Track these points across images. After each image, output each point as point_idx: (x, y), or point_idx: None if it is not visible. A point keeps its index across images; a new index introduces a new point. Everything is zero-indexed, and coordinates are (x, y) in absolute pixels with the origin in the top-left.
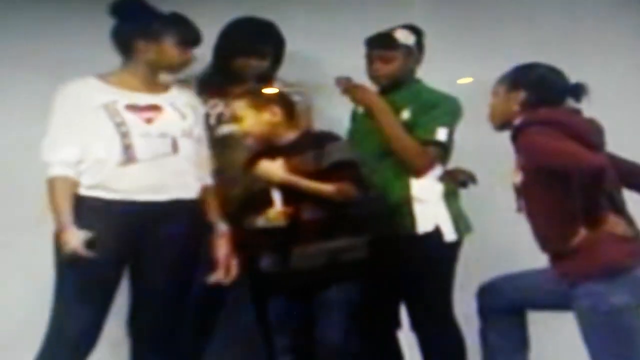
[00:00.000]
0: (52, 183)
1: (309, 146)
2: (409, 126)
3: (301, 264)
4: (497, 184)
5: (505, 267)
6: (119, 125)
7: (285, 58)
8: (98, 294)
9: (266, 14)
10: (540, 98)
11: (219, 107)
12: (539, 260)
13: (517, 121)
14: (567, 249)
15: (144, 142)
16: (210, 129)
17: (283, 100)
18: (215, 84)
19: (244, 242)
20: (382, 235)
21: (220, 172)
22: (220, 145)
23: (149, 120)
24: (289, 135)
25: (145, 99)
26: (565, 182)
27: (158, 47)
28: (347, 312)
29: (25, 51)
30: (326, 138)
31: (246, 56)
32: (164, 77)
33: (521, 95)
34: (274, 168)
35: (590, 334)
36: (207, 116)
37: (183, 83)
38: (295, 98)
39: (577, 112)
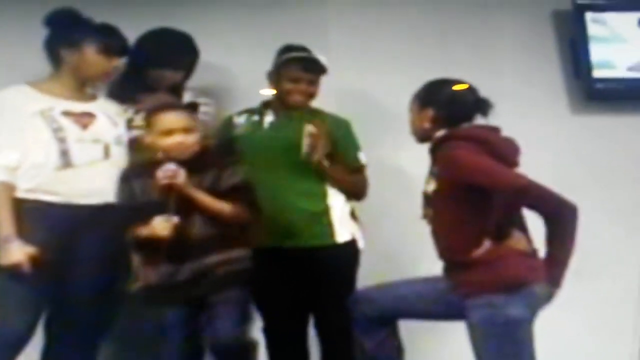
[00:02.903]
0: None
1: (208, 164)
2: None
3: (190, 276)
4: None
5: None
6: (56, 130)
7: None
8: (35, 298)
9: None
10: (449, 115)
11: (128, 112)
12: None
13: (438, 134)
14: (468, 260)
15: (79, 148)
16: None
17: (195, 115)
18: (126, 90)
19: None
20: (300, 245)
21: None
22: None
23: (84, 126)
24: (191, 150)
25: (78, 106)
26: (482, 197)
27: (80, 56)
28: (238, 308)
29: None
30: (224, 156)
31: (160, 68)
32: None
33: (431, 113)
34: (178, 171)
35: (483, 344)
36: None
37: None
38: (204, 109)
39: (497, 129)
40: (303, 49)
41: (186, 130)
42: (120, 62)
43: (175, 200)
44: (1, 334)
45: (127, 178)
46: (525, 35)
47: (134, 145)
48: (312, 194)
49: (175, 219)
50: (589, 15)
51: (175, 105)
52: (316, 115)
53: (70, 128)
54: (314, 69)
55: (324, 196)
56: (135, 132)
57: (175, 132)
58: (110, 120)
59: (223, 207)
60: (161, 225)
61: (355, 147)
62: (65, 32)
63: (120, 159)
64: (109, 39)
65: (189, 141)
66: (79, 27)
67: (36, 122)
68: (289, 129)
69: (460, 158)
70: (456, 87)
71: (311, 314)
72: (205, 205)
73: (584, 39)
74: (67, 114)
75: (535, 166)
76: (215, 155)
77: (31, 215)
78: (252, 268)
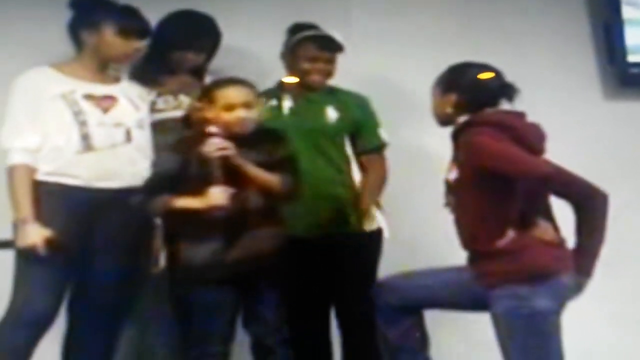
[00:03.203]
0: (12, 171)
1: (253, 141)
2: (339, 124)
3: (245, 252)
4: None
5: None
6: (77, 114)
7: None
8: (56, 280)
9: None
10: (472, 100)
11: (151, 95)
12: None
13: (461, 119)
14: (493, 249)
15: (101, 131)
16: None
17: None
18: (148, 73)
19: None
20: (329, 233)
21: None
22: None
23: (105, 110)
24: (250, 126)
25: (100, 89)
26: (505, 185)
27: (99, 37)
28: (280, 297)
29: None
30: (268, 134)
31: (183, 50)
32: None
33: (453, 98)
34: (226, 145)
35: (508, 337)
36: None
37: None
38: None
39: (522, 115)
40: (314, 27)
41: (247, 105)
42: (142, 45)
43: (224, 174)
44: (23, 314)
45: (175, 149)
46: (557, 19)
47: (157, 128)
48: (338, 180)
49: (231, 190)
50: None
51: (238, 81)
52: (335, 94)
53: (92, 111)
54: (332, 47)
55: (350, 182)
56: (158, 116)
57: (237, 107)
58: (132, 104)
59: (272, 179)
60: (219, 195)
61: (376, 123)
62: (85, 14)
63: (142, 142)
64: (129, 20)
65: (249, 116)
66: (99, 8)
67: (58, 105)
68: (310, 113)
69: (482, 144)
70: (481, 73)
71: (333, 304)
72: (256, 177)
73: (619, 22)
74: (88, 97)
75: (566, 153)
76: (263, 130)
77: (51, 198)
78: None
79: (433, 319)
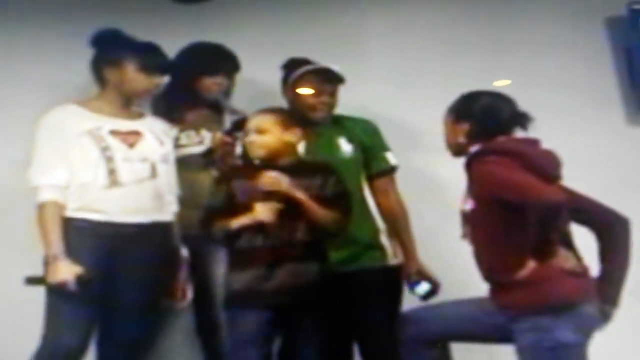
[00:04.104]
0: (42, 208)
1: (304, 173)
2: (354, 156)
3: (285, 283)
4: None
5: (448, 297)
6: (104, 150)
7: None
8: (85, 316)
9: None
10: (485, 129)
11: (173, 131)
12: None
13: (473, 149)
14: (513, 281)
15: (127, 167)
16: None
17: (300, 124)
18: (168, 107)
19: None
20: (355, 269)
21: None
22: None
23: (131, 145)
24: (289, 159)
25: (125, 124)
26: (519, 214)
27: (121, 73)
28: (319, 330)
29: (17, 72)
30: (320, 167)
31: (211, 75)
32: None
33: (466, 127)
34: (281, 178)
35: None
36: None
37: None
38: None
39: (536, 142)
40: (308, 61)
41: (260, 130)
42: (162, 80)
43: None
44: (54, 350)
45: (225, 179)
46: (577, 43)
47: (182, 164)
48: (361, 217)
49: (277, 205)
50: None
51: (267, 108)
52: (341, 123)
53: (118, 147)
54: (333, 79)
55: (371, 217)
56: (181, 151)
57: (250, 132)
58: (157, 139)
59: (325, 214)
60: (265, 210)
61: (383, 147)
62: (107, 51)
63: (167, 177)
64: (150, 56)
65: (261, 141)
66: (120, 45)
67: (84, 141)
68: (324, 149)
69: (493, 173)
70: (493, 101)
71: (355, 341)
72: (310, 210)
73: None
74: (114, 132)
75: (588, 179)
76: (316, 163)
77: (79, 234)
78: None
79: (457, 350)
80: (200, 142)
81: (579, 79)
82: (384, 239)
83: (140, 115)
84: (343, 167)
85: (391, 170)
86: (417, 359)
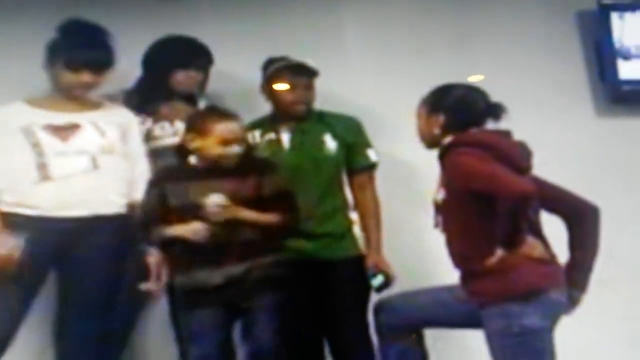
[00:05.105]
0: None
1: (249, 170)
2: (338, 153)
3: (236, 278)
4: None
5: (419, 284)
6: (34, 145)
7: None
8: (15, 303)
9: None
10: (459, 120)
11: (147, 123)
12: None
13: (446, 140)
14: (482, 269)
15: (60, 161)
16: None
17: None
18: (142, 100)
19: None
20: (331, 256)
21: None
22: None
23: (64, 139)
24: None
25: (65, 118)
26: (489, 204)
27: (53, 71)
28: (276, 315)
29: None
30: (265, 165)
31: (185, 69)
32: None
33: (440, 118)
34: (225, 210)
35: (500, 355)
36: None
37: (111, 98)
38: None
39: (507, 134)
40: (285, 58)
41: (240, 140)
42: (95, 78)
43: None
44: None
45: (158, 182)
46: (548, 36)
47: (156, 155)
48: (338, 210)
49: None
50: (614, 16)
51: (231, 115)
52: (325, 120)
53: (49, 141)
54: (307, 73)
55: (347, 209)
56: (155, 143)
57: (233, 142)
58: (98, 130)
59: (270, 219)
60: (201, 229)
61: (365, 144)
62: (46, 49)
63: (112, 168)
64: (74, 52)
65: (240, 151)
66: (55, 43)
67: (18, 138)
68: (309, 146)
69: (463, 164)
70: (465, 93)
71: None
72: (255, 222)
73: (610, 40)
74: (48, 127)
75: (558, 170)
76: (255, 161)
77: (15, 228)
78: (288, 274)
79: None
80: (175, 134)
81: (550, 71)
82: (357, 230)
83: (96, 106)
84: (328, 164)
85: (371, 167)
86: (391, 346)
